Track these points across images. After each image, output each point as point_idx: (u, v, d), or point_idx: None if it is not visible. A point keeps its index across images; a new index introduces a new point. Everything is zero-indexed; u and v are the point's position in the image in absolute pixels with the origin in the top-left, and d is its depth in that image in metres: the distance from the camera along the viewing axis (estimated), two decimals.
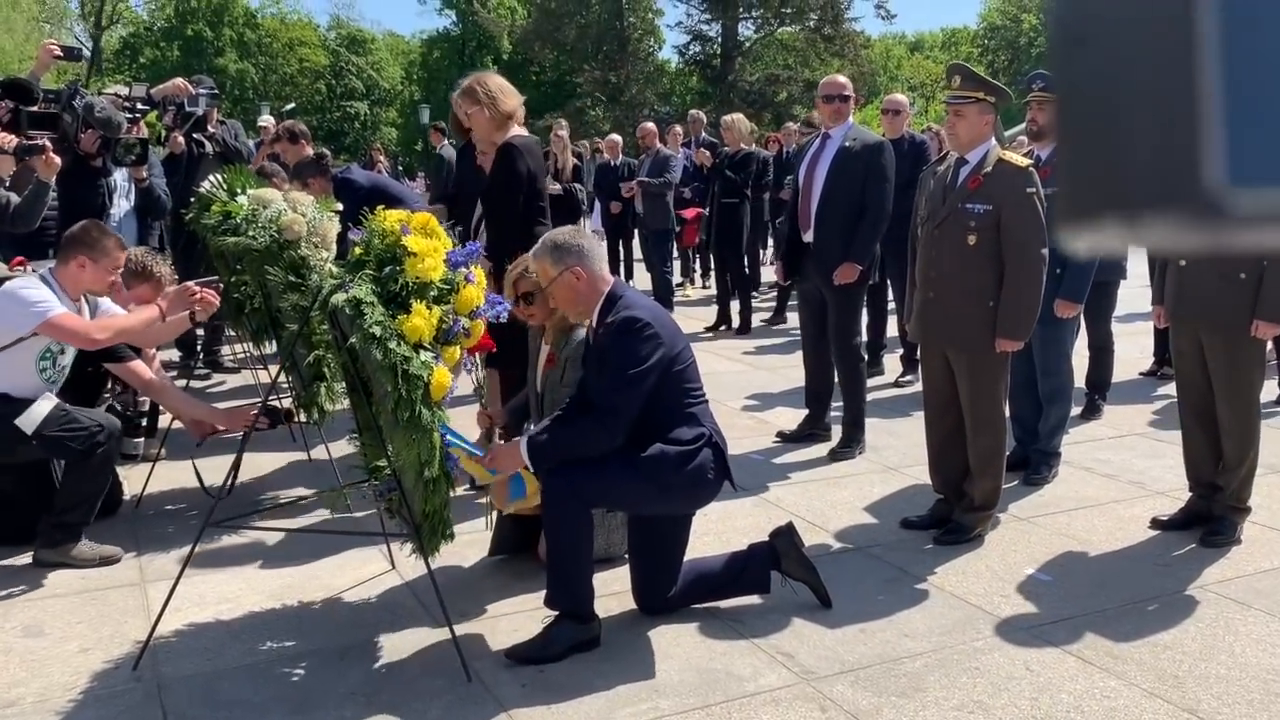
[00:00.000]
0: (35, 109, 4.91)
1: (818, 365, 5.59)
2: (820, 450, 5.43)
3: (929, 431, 4.36)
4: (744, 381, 7.22)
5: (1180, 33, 0.39)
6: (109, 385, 4.84)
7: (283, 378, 4.63)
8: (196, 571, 3.65)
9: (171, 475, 4.89)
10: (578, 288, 3.29)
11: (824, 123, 5.53)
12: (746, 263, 9.54)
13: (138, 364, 4.58)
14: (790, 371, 7.34)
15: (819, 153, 5.39)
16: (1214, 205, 0.38)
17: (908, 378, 7.00)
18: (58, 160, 4.59)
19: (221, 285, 4.18)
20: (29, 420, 3.77)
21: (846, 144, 5.29)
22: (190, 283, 4.06)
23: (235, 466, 3.55)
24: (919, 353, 4.36)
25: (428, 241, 3.17)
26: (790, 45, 38.90)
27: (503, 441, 3.76)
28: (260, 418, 4.15)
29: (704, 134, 11.68)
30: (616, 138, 11.66)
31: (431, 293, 3.14)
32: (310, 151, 7.02)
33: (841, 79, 5.53)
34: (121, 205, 5.88)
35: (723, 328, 9.22)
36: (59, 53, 5.67)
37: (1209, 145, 0.38)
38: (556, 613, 3.22)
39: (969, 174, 4.00)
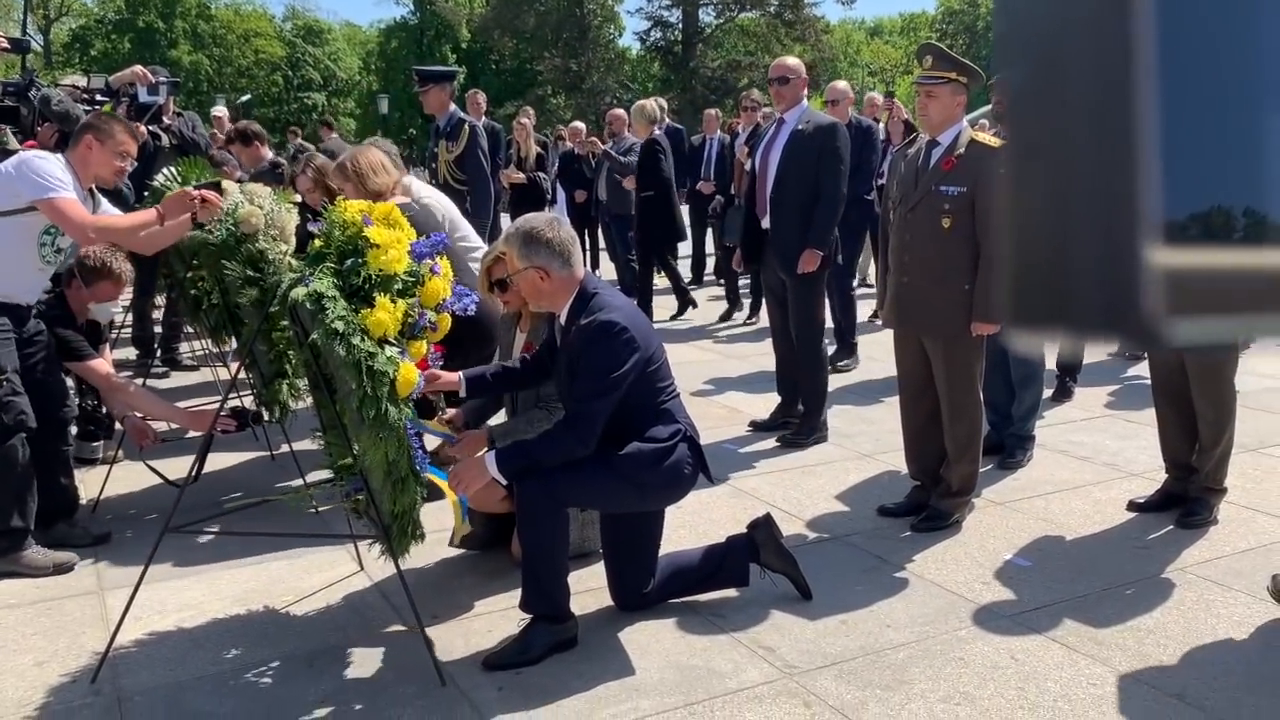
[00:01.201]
0: None
1: (787, 352, 5.52)
2: (793, 436, 5.36)
3: (904, 418, 4.31)
4: (714, 371, 7.15)
5: (1125, 174, 0.40)
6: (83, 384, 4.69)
7: (243, 375, 4.51)
8: (157, 578, 3.53)
9: (129, 478, 4.75)
10: (541, 287, 3.18)
11: (776, 106, 5.46)
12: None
13: (98, 362, 4.43)
14: (761, 359, 7.29)
15: (774, 137, 5.32)
16: (1152, 335, 0.41)
17: (844, 362, 7.00)
18: None
19: (224, 188, 4.01)
20: None
21: (799, 127, 5.22)
22: (189, 187, 3.91)
23: (201, 456, 3.42)
24: (893, 338, 4.29)
25: (391, 232, 3.06)
26: (751, 31, 38.89)
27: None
28: (226, 419, 4.05)
29: (667, 121, 11.57)
30: (580, 125, 11.54)
31: (396, 286, 3.03)
32: (266, 153, 6.87)
33: (789, 61, 5.39)
34: None
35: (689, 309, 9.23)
36: (5, 44, 5.47)
37: (1149, 278, 0.40)
38: (531, 615, 3.13)
39: (941, 155, 3.93)
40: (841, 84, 7.24)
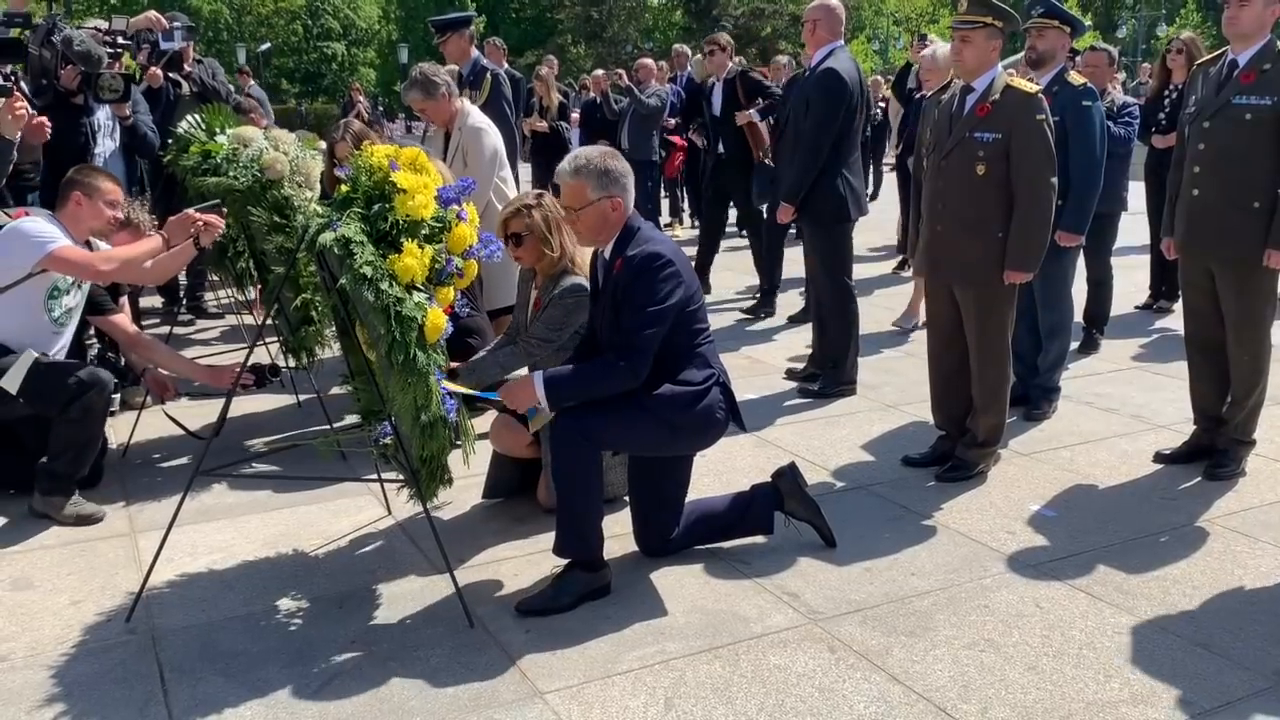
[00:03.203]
0: None
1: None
2: (816, 388, 5.34)
3: (932, 367, 4.29)
4: (737, 319, 7.13)
5: None
6: (90, 334, 4.72)
7: (269, 322, 4.53)
8: (187, 520, 3.58)
9: (158, 423, 4.78)
10: (610, 218, 3.16)
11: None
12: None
13: (120, 317, 4.47)
14: (783, 310, 7.26)
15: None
16: None
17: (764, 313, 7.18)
18: (23, 112, 4.30)
19: (225, 210, 4.04)
20: (11, 380, 3.67)
21: (808, 72, 5.16)
22: (190, 210, 3.94)
23: (224, 411, 3.44)
24: (924, 286, 4.25)
25: (417, 177, 3.04)
26: None
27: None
28: (245, 375, 4.08)
29: (689, 69, 11.45)
30: (601, 72, 11.44)
31: (423, 231, 3.02)
32: None
33: (816, 2, 5.21)
34: (107, 144, 5.69)
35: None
36: None
37: None
38: (565, 560, 3.16)
39: (976, 102, 3.86)
40: None
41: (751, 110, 7.28)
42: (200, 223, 3.88)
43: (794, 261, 7.94)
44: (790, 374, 5.60)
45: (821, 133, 5.04)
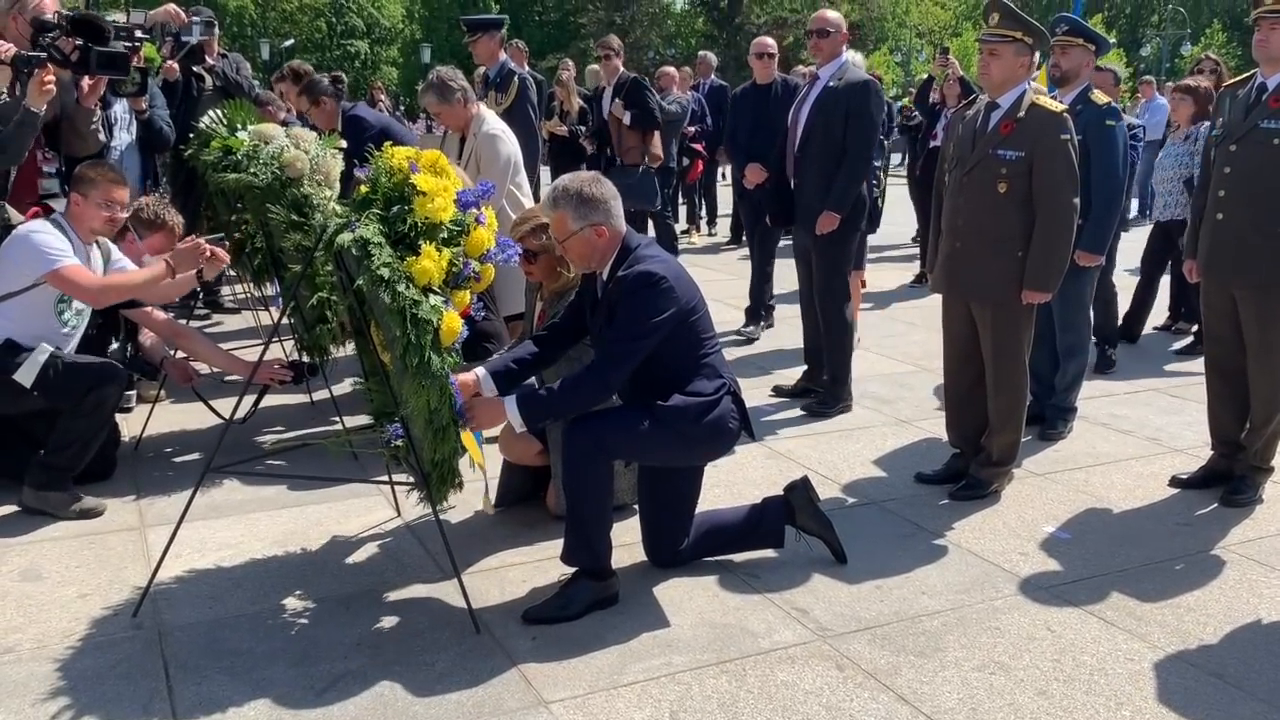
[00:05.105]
0: (106, 48, 4.61)
1: (813, 320, 5.47)
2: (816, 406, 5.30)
3: (947, 385, 4.26)
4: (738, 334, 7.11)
5: None
6: (120, 333, 4.72)
7: (285, 320, 4.53)
8: (196, 516, 3.57)
9: (171, 418, 4.80)
10: (597, 245, 3.15)
11: (814, 59, 5.36)
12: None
13: (153, 309, 4.48)
14: (796, 322, 7.21)
15: (808, 94, 5.25)
16: None
17: (749, 328, 7.01)
18: (52, 86, 4.29)
19: (227, 244, 4.07)
20: (27, 374, 3.69)
21: (831, 83, 5.11)
22: (200, 239, 3.94)
23: (257, 399, 3.44)
24: (941, 303, 4.21)
25: (437, 180, 3.04)
26: None
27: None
28: (283, 370, 4.10)
29: (713, 76, 11.44)
30: None
31: (441, 234, 3.01)
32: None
33: (829, 14, 5.24)
34: (123, 138, 5.70)
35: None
36: None
37: None
38: (573, 569, 3.14)
39: (1001, 118, 3.83)
40: (768, 39, 6.78)
41: (615, 101, 7.78)
42: (207, 254, 3.90)
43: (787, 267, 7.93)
44: (778, 391, 5.54)
45: (872, 141, 5.11)
